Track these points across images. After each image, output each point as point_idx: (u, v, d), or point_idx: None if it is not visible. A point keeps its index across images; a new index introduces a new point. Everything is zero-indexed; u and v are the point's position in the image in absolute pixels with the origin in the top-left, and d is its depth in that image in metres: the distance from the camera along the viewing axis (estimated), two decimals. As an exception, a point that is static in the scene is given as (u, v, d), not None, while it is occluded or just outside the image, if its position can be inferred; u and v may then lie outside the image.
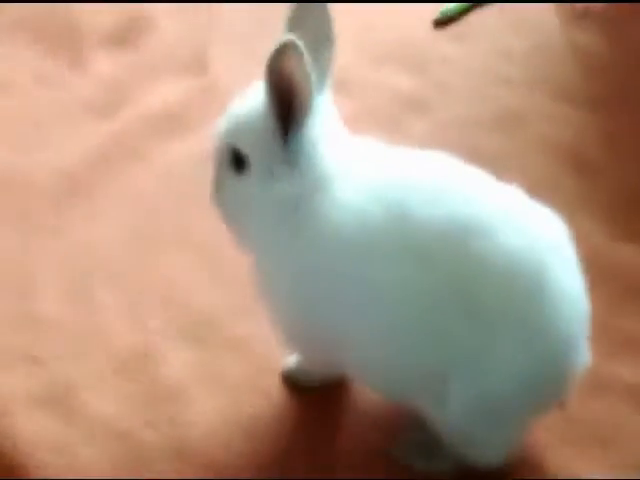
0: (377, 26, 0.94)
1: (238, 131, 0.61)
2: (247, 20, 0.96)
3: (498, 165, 0.82)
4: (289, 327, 0.64)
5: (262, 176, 0.60)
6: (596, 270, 0.76)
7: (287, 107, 0.58)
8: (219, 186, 0.63)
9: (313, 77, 0.56)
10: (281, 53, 0.56)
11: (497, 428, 0.61)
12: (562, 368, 0.60)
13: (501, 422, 0.61)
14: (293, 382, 0.70)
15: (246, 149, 0.60)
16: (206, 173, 0.65)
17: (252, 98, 0.61)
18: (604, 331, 0.72)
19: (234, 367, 0.69)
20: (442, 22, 0.94)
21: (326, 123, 0.61)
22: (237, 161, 0.61)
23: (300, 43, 0.55)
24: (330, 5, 0.59)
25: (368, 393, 0.67)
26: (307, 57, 0.56)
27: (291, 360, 0.70)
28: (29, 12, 0.96)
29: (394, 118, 0.87)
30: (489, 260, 0.57)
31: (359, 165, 0.61)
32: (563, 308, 0.59)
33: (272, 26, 0.61)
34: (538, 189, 0.81)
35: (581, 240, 0.78)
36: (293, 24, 0.60)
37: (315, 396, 0.68)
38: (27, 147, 0.85)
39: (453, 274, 0.58)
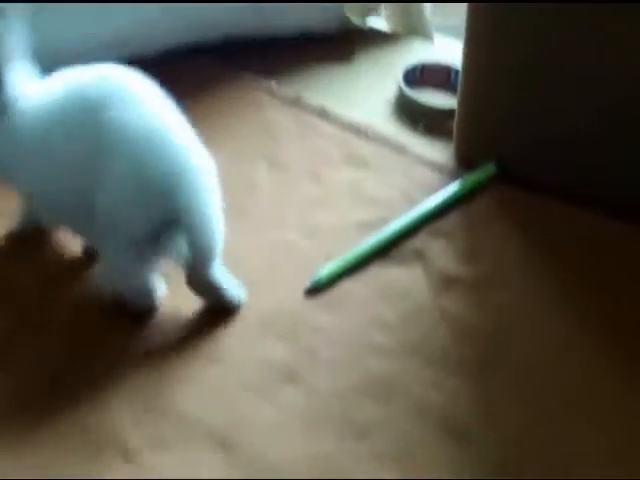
0: (250, 296, 1.01)
1: None
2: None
3: (372, 434, 0.89)
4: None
5: None
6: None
7: None
8: None
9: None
10: None
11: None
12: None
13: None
14: None
15: None
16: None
17: None
18: None
19: None
20: (314, 290, 1.02)
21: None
22: None
23: None
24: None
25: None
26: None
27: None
28: None
29: (265, 387, 0.92)
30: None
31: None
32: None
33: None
34: (411, 455, 0.88)
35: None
36: None
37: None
38: None
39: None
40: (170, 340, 0.97)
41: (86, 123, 0.94)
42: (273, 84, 1.35)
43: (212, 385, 0.93)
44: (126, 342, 0.96)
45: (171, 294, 1.00)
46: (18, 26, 1.02)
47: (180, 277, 0.96)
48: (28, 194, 1.04)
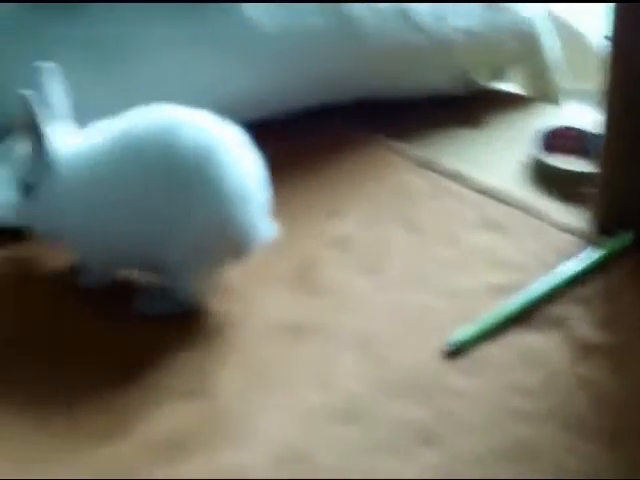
0: (387, 356, 1.03)
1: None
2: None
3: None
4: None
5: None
6: None
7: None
8: None
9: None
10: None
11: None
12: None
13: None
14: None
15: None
16: None
17: None
18: None
19: None
20: (452, 354, 1.03)
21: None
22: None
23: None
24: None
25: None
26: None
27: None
28: None
29: (406, 450, 0.93)
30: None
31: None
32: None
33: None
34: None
35: None
36: None
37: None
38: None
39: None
40: (305, 398, 0.99)
41: (145, 163, 0.96)
42: (406, 146, 1.39)
43: (348, 443, 0.94)
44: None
45: (302, 350, 1.03)
46: (57, 82, 1.02)
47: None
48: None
